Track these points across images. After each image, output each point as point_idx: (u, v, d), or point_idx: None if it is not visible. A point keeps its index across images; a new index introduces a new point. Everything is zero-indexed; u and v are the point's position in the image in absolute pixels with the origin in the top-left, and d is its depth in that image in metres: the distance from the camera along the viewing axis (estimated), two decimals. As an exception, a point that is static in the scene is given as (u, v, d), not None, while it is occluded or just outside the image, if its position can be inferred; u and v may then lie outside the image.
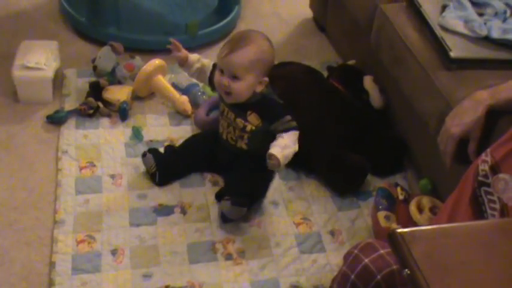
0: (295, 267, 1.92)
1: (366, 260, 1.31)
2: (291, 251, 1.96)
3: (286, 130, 2.00)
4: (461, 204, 1.55)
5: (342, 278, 1.36)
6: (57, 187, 2.08)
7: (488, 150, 1.51)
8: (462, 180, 1.58)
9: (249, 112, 2.04)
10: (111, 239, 1.94)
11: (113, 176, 2.14)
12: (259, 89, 2.02)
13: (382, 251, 1.31)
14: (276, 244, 1.98)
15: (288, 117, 2.02)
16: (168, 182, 2.14)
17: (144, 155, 2.14)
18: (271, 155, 1.92)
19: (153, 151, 2.14)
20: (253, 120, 2.05)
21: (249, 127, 2.05)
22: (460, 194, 1.58)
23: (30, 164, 2.17)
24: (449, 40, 2.00)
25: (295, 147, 1.99)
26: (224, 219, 2.02)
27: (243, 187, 2.03)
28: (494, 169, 1.46)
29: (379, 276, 1.29)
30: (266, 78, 2.01)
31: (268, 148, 1.95)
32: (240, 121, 2.06)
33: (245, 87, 1.99)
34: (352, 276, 1.33)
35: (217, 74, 2.02)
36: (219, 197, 2.08)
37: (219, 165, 2.17)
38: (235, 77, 1.97)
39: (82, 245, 1.91)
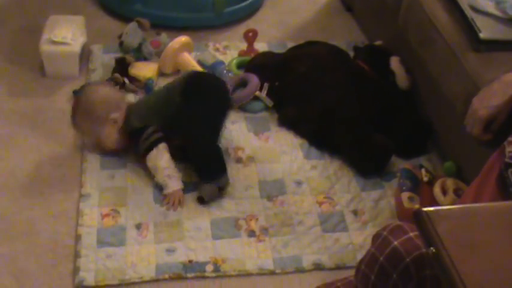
0: (317, 246, 1.92)
1: (395, 243, 1.31)
2: (313, 230, 1.97)
3: (149, 149, 2.03)
4: (487, 186, 1.54)
5: (371, 259, 1.36)
6: (82, 161, 2.11)
7: None
8: (488, 162, 1.57)
9: None
10: (136, 214, 1.96)
11: (137, 152, 2.16)
12: (117, 123, 2.08)
13: (411, 234, 1.30)
14: (299, 222, 1.99)
15: (144, 136, 2.04)
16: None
17: None
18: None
19: None
20: None
21: None
22: (485, 176, 1.57)
23: (56, 138, 2.20)
24: (479, 21, 1.97)
25: (158, 163, 2.01)
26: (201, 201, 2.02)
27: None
28: None
29: (408, 259, 1.28)
30: (115, 115, 2.08)
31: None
32: None
33: (103, 136, 2.10)
34: (381, 258, 1.32)
35: None
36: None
37: None
38: None
39: (107, 218, 1.93)
